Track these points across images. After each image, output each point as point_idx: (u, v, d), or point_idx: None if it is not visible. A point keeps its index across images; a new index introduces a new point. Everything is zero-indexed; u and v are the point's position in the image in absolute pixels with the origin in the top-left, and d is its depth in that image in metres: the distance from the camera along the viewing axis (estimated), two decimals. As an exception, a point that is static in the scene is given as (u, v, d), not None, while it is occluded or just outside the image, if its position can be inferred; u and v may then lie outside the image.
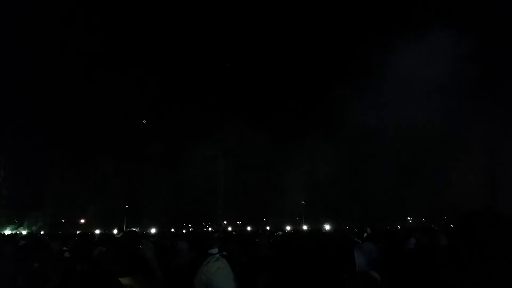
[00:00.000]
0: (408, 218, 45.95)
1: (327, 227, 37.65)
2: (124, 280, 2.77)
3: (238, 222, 54.14)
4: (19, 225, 38.25)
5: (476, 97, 30.47)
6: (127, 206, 47.57)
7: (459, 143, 32.64)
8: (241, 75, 62.18)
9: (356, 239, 7.12)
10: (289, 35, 61.27)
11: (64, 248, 7.02)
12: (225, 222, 51.02)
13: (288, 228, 38.42)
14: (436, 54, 28.90)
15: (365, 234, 9.49)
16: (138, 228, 38.66)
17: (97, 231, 30.77)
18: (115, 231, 29.99)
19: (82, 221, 43.44)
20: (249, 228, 42.71)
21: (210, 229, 44.21)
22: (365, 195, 43.79)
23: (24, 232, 27.12)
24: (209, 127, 54.34)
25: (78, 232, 26.68)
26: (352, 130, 39.35)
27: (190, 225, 52.97)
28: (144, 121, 36.10)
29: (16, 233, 21.12)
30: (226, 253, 4.79)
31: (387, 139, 38.58)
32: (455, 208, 30.32)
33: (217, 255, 5.08)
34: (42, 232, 30.04)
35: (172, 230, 37.15)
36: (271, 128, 45.27)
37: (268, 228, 41.66)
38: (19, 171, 39.76)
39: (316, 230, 27.41)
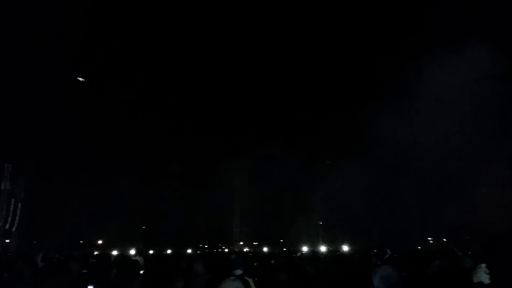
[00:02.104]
0: (429, 238, 44.78)
1: (345, 248, 36.93)
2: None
3: (254, 243, 53.59)
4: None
5: (505, 117, 29.79)
6: (144, 227, 47.77)
7: (482, 162, 31.90)
8: (258, 94, 62.60)
9: (376, 260, 6.95)
10: (308, 51, 61.60)
11: (85, 271, 7.06)
12: (241, 243, 50.57)
13: (305, 249, 37.81)
14: (467, 73, 28.33)
15: (386, 256, 9.28)
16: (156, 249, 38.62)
17: (114, 252, 30.85)
18: (132, 252, 30.05)
19: (100, 241, 43.70)
20: (265, 249, 42.20)
21: (226, 249, 43.88)
22: (385, 215, 43.00)
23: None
24: (226, 148, 54.66)
25: (95, 253, 26.81)
26: (372, 149, 38.98)
27: (206, 246, 52.67)
28: (80, 79, 35.36)
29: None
30: (248, 277, 4.75)
31: (408, 158, 38.02)
32: (478, 229, 29.46)
33: (234, 277, 5.04)
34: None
35: (189, 251, 37.01)
36: (288, 148, 45.15)
37: (284, 249, 41.08)
38: (39, 192, 40.42)
39: (334, 252, 26.90)
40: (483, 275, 3.21)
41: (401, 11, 44.13)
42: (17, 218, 37.05)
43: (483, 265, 4.12)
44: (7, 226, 36.06)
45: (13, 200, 37.06)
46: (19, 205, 37.59)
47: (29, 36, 41.56)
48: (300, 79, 61.73)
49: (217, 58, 64.31)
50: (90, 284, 5.43)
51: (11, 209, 36.80)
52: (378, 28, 48.91)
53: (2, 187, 35.38)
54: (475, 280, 3.94)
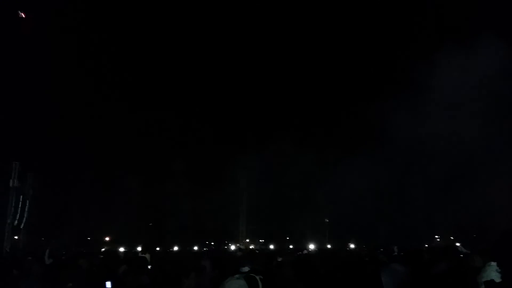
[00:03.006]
0: (436, 236, 44.55)
1: (352, 245, 36.91)
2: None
3: (260, 240, 53.68)
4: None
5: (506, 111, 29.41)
6: (150, 224, 48.03)
7: (490, 160, 31.65)
8: (265, 92, 62.41)
9: (384, 258, 6.93)
10: (316, 46, 61.24)
11: (94, 267, 7.12)
12: (247, 240, 50.63)
13: (312, 246, 37.83)
14: (478, 70, 27.80)
15: (393, 254, 9.25)
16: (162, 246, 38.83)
17: (121, 249, 31.07)
18: (138, 249, 30.22)
19: (107, 238, 44.02)
20: (271, 247, 42.27)
21: (232, 247, 43.98)
22: (392, 212, 42.83)
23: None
24: (231, 144, 54.65)
25: (103, 249, 27.01)
26: (378, 147, 38.82)
27: (212, 243, 52.85)
28: (21, 14, 33.67)
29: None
30: (255, 275, 4.74)
31: (415, 156, 37.84)
32: (485, 227, 29.28)
33: (238, 275, 5.04)
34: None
35: (195, 248, 37.18)
36: (294, 146, 45.05)
37: (291, 246, 41.17)
38: (47, 190, 40.73)
39: (341, 249, 26.89)
40: (492, 273, 3.18)
41: (414, 8, 43.65)
42: (25, 215, 37.40)
43: (493, 263, 4.09)
44: (16, 223, 36.43)
45: (21, 197, 37.40)
46: (27, 202, 37.94)
47: (36, 40, 41.87)
48: (307, 76, 61.52)
49: (225, 54, 64.22)
50: (107, 280, 5.44)
51: (20, 206, 37.15)
52: (389, 26, 48.48)
53: (11, 184, 35.69)
54: (485, 278, 3.91)
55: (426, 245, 32.89)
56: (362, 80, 50.85)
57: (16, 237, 37.38)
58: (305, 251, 16.74)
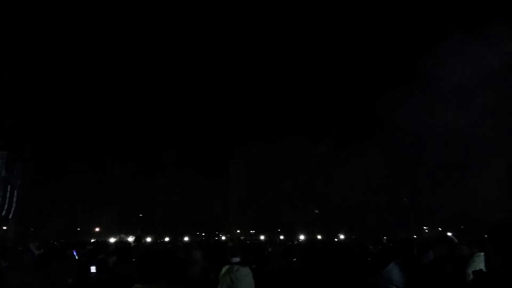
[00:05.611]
0: (424, 228, 45.13)
1: (341, 236, 37.26)
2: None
3: (251, 231, 53.86)
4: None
5: (500, 106, 29.61)
6: (141, 215, 47.84)
7: (478, 151, 32.04)
8: (258, 82, 62.30)
9: (373, 249, 7.02)
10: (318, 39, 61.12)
11: (83, 258, 7.08)
12: (238, 231, 50.79)
13: (302, 237, 38.11)
14: (473, 66, 27.69)
15: (380, 246, 9.36)
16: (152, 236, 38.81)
17: (112, 239, 30.97)
18: (130, 239, 30.18)
19: (97, 229, 43.78)
20: (262, 237, 42.46)
21: (223, 237, 44.10)
22: (380, 204, 43.26)
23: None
24: (222, 135, 54.60)
25: (92, 240, 26.87)
26: (367, 138, 39.08)
27: (203, 234, 52.90)
28: None
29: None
30: (246, 265, 4.81)
31: (402, 148, 38.15)
32: (473, 217, 29.73)
33: (239, 265, 5.08)
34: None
35: (186, 238, 37.22)
36: (285, 137, 45.14)
37: (281, 237, 41.38)
38: (35, 180, 40.31)
39: (331, 240, 27.12)
40: (481, 263, 3.25)
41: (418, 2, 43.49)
42: (13, 205, 37.03)
43: (482, 254, 4.16)
44: (4, 213, 36.07)
45: (9, 187, 36.98)
46: (15, 192, 37.54)
47: (27, 34, 41.19)
48: (301, 70, 61.49)
49: (216, 48, 63.81)
50: (92, 265, 5.43)
51: (8, 196, 36.75)
52: (395, 17, 48.19)
53: (-2, 174, 35.30)
54: (473, 268, 3.98)
55: (415, 236, 33.37)
56: (357, 74, 51.00)
57: (4, 228, 37.06)
58: (295, 242, 16.85)
